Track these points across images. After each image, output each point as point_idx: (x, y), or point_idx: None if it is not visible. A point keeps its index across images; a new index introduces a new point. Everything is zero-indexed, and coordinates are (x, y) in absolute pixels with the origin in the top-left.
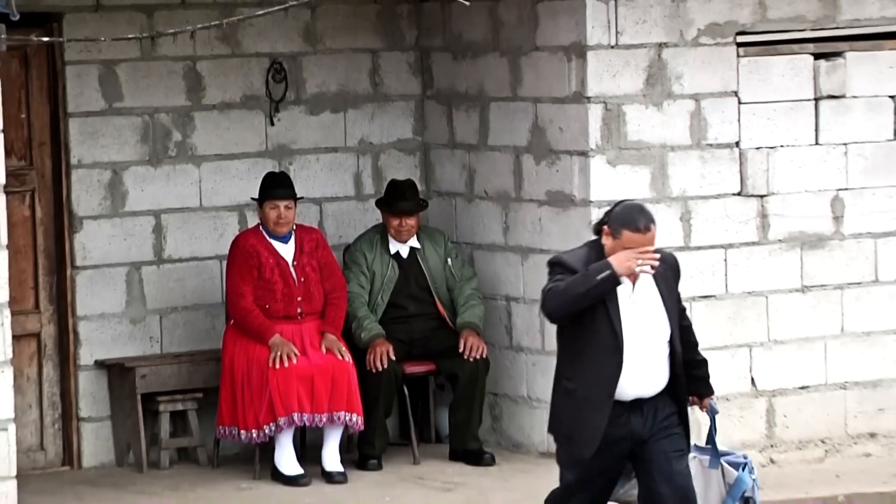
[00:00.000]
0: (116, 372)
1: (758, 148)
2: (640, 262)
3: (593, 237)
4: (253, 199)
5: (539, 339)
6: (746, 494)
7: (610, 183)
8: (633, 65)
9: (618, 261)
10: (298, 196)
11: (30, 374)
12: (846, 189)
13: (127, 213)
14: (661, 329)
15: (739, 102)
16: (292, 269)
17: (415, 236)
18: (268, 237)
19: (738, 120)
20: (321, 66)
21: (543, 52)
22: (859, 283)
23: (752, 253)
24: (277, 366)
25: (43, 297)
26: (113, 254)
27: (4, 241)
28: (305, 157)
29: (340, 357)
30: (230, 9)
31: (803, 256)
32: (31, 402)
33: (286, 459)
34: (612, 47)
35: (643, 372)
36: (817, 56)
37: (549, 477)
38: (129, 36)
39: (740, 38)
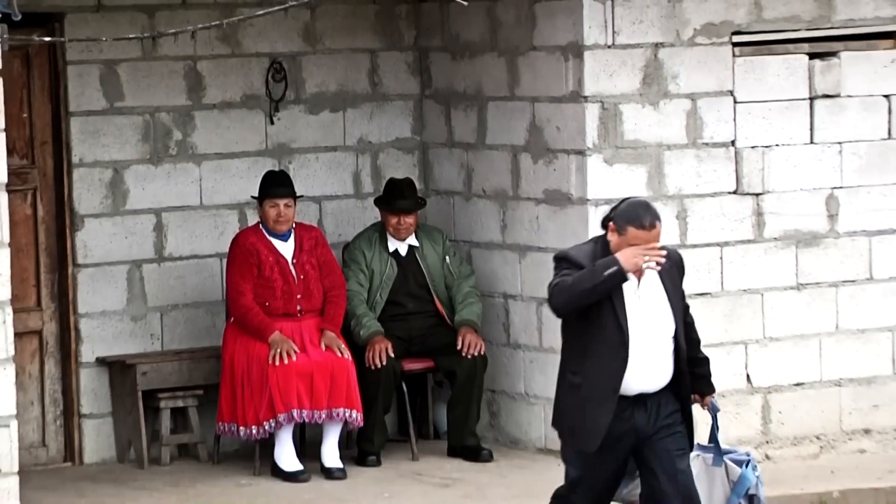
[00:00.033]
0: (117, 369)
1: (753, 147)
2: (647, 258)
3: (590, 234)
4: (253, 197)
5: (536, 336)
6: (751, 492)
7: (607, 181)
8: (629, 64)
9: (625, 257)
10: (298, 194)
11: (32, 370)
12: (841, 187)
13: (128, 212)
14: (666, 325)
15: (735, 102)
16: (292, 267)
17: (413, 234)
18: (268, 235)
19: (734, 119)
20: (320, 65)
21: (541, 52)
22: (854, 281)
23: (747, 251)
24: (277, 363)
25: (45, 295)
26: (114, 252)
27: (6, 239)
28: (305, 156)
29: (340, 354)
30: (230, 9)
31: (798, 254)
32: (33, 398)
33: (286, 456)
34: (609, 47)
35: (647, 367)
36: (812, 56)
37: (547, 473)
38: (131, 36)
39: (736, 38)
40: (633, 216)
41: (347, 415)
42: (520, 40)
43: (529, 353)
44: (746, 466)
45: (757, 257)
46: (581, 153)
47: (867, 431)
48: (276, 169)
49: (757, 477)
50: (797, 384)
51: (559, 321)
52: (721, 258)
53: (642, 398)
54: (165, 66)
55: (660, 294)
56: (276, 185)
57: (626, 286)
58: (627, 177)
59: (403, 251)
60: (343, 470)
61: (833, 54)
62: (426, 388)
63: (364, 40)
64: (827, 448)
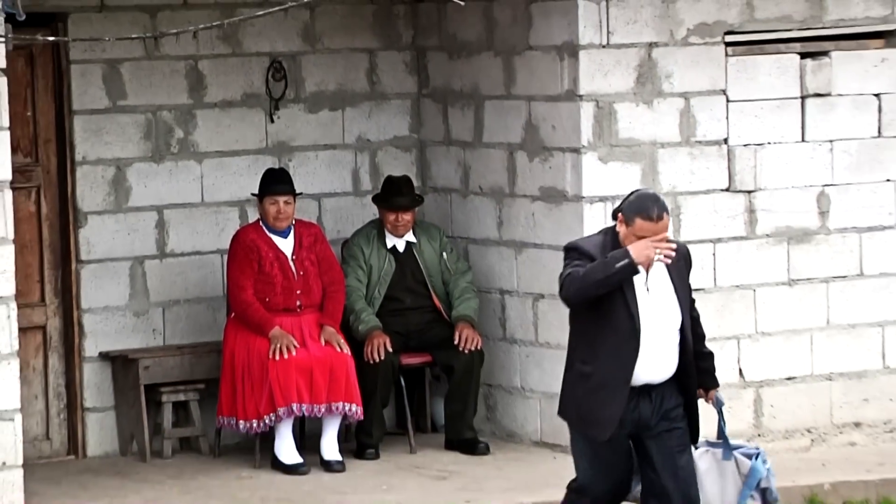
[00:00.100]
0: (120, 363)
1: (745, 145)
2: (658, 251)
3: (585, 231)
4: (253, 194)
5: (532, 331)
6: (763, 485)
7: (601, 179)
8: (624, 64)
9: (636, 250)
10: (297, 192)
11: (36, 365)
12: (832, 185)
13: (130, 209)
14: (673, 317)
15: (728, 100)
16: (291, 263)
17: (411, 231)
18: (268, 232)
19: (727, 117)
20: (320, 65)
21: (536, 52)
22: (844, 277)
23: (740, 247)
24: (277, 357)
25: (48, 291)
26: (117, 248)
27: (11, 235)
28: (304, 154)
29: (339, 349)
30: (231, 9)
31: (790, 250)
32: (37, 392)
33: (286, 449)
34: (604, 47)
35: (654, 358)
36: (803, 55)
37: (543, 465)
38: (133, 36)
39: (728, 38)
40: (640, 207)
41: (347, 408)
42: (516, 40)
43: (525, 347)
44: (756, 459)
45: (749, 253)
46: (576, 151)
47: (857, 425)
48: (276, 167)
49: (768, 469)
50: (789, 378)
51: (556, 316)
52: (714, 254)
53: (647, 389)
54: (167, 65)
55: (667, 287)
56: (275, 183)
57: (635, 278)
58: (622, 174)
59: (401, 248)
60: (342, 463)
61: (824, 54)
62: (424, 383)
63: (362, 40)
64: (818, 441)
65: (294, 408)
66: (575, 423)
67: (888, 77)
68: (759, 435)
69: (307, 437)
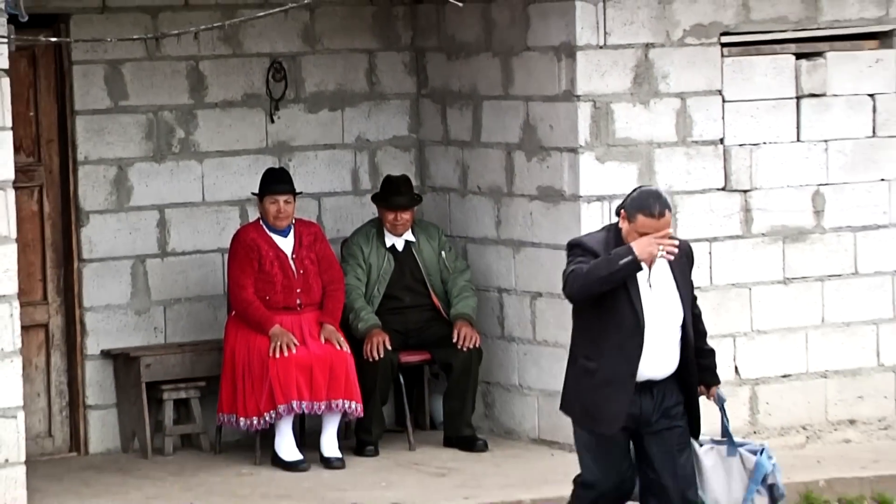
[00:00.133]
0: (122, 361)
1: (741, 144)
2: (661, 247)
3: (582, 230)
4: (253, 194)
5: (530, 329)
6: (770, 482)
7: (598, 178)
8: (620, 64)
9: (639, 247)
10: (297, 191)
11: (38, 363)
12: (827, 184)
13: (132, 208)
14: (675, 313)
15: (724, 101)
16: (291, 262)
17: (410, 230)
18: (268, 231)
19: (723, 117)
20: (319, 65)
21: (534, 53)
22: (839, 276)
23: (735, 246)
24: (277, 355)
25: (51, 289)
26: (118, 247)
27: (14, 234)
28: (304, 154)
29: (339, 347)
30: (232, 10)
31: (785, 249)
32: (40, 390)
33: (286, 446)
34: (601, 47)
35: (657, 354)
36: (799, 56)
37: (540, 462)
38: (135, 37)
39: (724, 39)
40: (642, 204)
41: (347, 406)
42: (514, 41)
43: (523, 345)
44: (761, 454)
45: (745, 252)
46: (573, 151)
47: (852, 422)
48: (277, 166)
49: (773, 465)
50: (784, 376)
51: (553, 314)
52: (710, 253)
53: (649, 385)
54: (168, 65)
55: (669, 283)
56: (276, 182)
57: (638, 274)
58: (619, 174)
59: (400, 246)
60: (342, 459)
61: (819, 54)
62: (423, 380)
63: (362, 41)
64: (813, 438)
65: (294, 405)
66: (580, 418)
67: (882, 77)
68: (754, 432)
69: (307, 435)
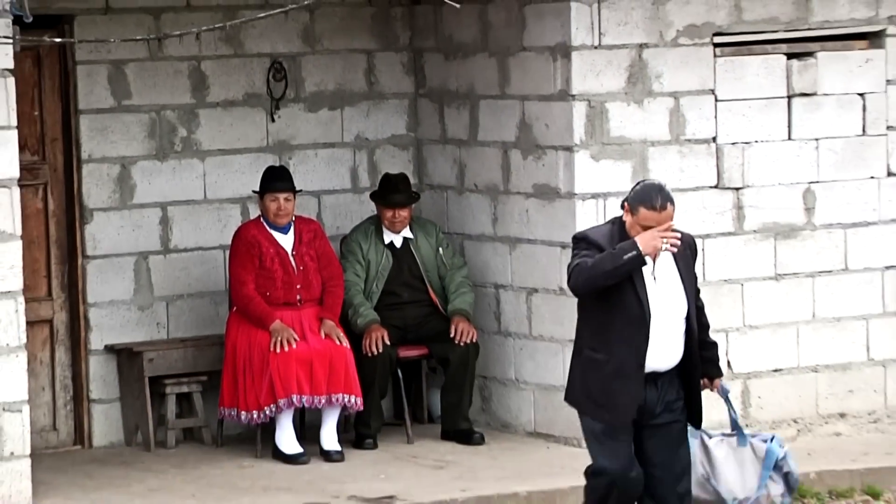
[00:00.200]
0: (125, 356)
1: (733, 143)
2: (664, 241)
3: (578, 227)
4: (254, 191)
5: (526, 324)
6: (785, 470)
7: (593, 176)
8: (615, 64)
9: (643, 241)
10: (297, 189)
11: (43, 358)
12: (817, 182)
13: (135, 206)
14: (679, 305)
15: (716, 100)
16: (292, 259)
17: (408, 227)
18: (268, 228)
19: (715, 116)
20: (319, 65)
21: (530, 53)
22: (830, 272)
23: (728, 243)
24: (278, 350)
25: (55, 285)
26: (122, 244)
27: (19, 231)
28: (304, 152)
29: (338, 342)
30: (233, 11)
31: (777, 246)
32: (45, 384)
33: (286, 439)
34: (596, 48)
35: (661, 346)
36: (790, 56)
37: (536, 455)
38: (138, 37)
39: (717, 39)
40: (644, 197)
41: (347, 399)
42: (510, 41)
43: (519, 340)
44: (772, 441)
45: (737, 249)
46: (569, 149)
47: (842, 415)
48: (277, 164)
49: (786, 452)
50: (775, 370)
51: (549, 310)
52: (703, 250)
53: (653, 377)
54: (171, 65)
55: (674, 276)
56: (276, 180)
57: (643, 267)
58: (613, 172)
59: (398, 243)
60: (341, 452)
61: (810, 54)
62: (421, 375)
63: (361, 41)
64: (804, 431)
65: (294, 399)
66: (588, 408)
67: (872, 77)
68: (746, 425)
69: (307, 428)
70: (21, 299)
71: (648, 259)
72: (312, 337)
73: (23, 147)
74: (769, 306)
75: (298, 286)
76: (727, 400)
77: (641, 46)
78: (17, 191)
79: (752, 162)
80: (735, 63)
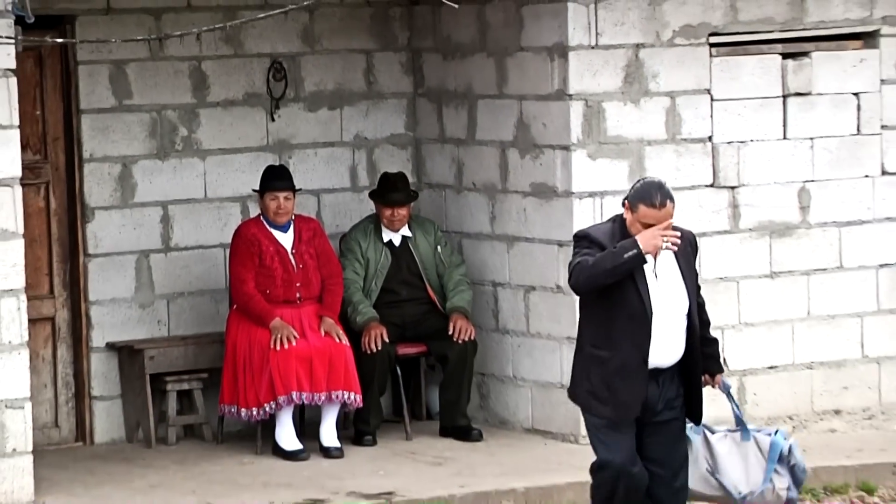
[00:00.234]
0: (126, 353)
1: (729, 142)
2: (665, 240)
3: (575, 226)
4: (254, 190)
5: (524, 322)
6: (791, 462)
7: (590, 175)
8: (612, 64)
9: (644, 239)
10: (297, 188)
11: (45, 355)
12: (812, 181)
13: (136, 204)
14: (681, 302)
15: (712, 99)
16: (291, 257)
17: (406, 225)
18: (268, 226)
19: (711, 116)
20: (319, 65)
21: (528, 53)
22: (824, 270)
23: (723, 241)
24: (278, 347)
25: (57, 283)
26: (123, 242)
27: (21, 230)
28: (304, 151)
29: (338, 340)
30: (233, 12)
31: (772, 244)
32: (46, 381)
33: (286, 436)
34: (593, 48)
35: (663, 343)
36: (785, 56)
37: (533, 451)
38: (139, 37)
39: (713, 39)
40: (644, 195)
41: (347, 396)
42: (508, 41)
43: (517, 338)
44: (776, 434)
45: (733, 247)
46: (566, 148)
47: (837, 412)
48: (277, 163)
49: (791, 445)
50: (771, 367)
51: (546, 307)
52: (699, 248)
53: (655, 373)
54: (171, 65)
55: (675, 272)
56: (276, 179)
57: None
58: (610, 171)
59: (397, 241)
60: (340, 449)
61: (805, 54)
62: (419, 372)
63: (360, 41)
64: (799, 428)
65: (294, 396)
66: (591, 405)
67: (867, 77)
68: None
69: (307, 425)
70: (23, 297)
71: (649, 257)
72: (312, 334)
73: (25, 146)
74: (765, 304)
75: (298, 284)
76: (729, 395)
77: (638, 46)
78: (19, 190)
79: (747, 161)
80: (731, 63)
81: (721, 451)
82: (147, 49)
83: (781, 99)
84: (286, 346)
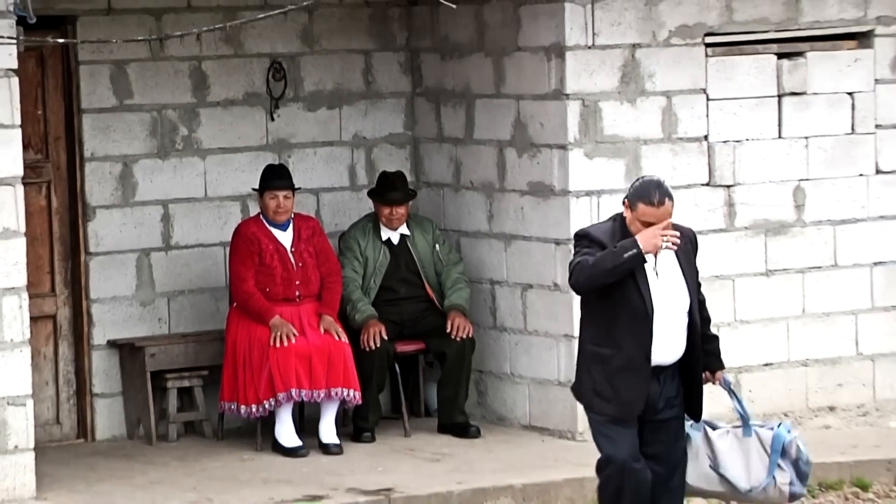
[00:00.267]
0: (127, 351)
1: (725, 141)
2: (665, 239)
3: (572, 224)
4: (254, 189)
5: (521, 319)
6: (794, 456)
7: (587, 174)
8: (608, 64)
9: (644, 239)
10: (296, 187)
11: (46, 353)
12: (807, 179)
13: (137, 203)
14: (682, 300)
15: (708, 99)
16: (291, 255)
17: (405, 224)
18: (268, 225)
19: (707, 115)
20: (318, 65)
21: (525, 53)
22: (819, 268)
23: (719, 239)
24: (278, 345)
25: (58, 282)
26: (124, 241)
27: (22, 228)
28: (303, 151)
29: (337, 337)
30: (233, 12)
31: (767, 242)
32: (48, 379)
33: (286, 432)
34: (589, 48)
35: (665, 340)
36: (780, 55)
37: (531, 447)
38: (139, 38)
39: (708, 39)
40: (643, 193)
41: (346, 393)
42: (505, 41)
43: (514, 335)
44: (778, 427)
45: (728, 245)
46: (563, 147)
47: (832, 409)
48: (276, 163)
49: (794, 437)
50: (766, 364)
51: (543, 305)
52: None
53: (656, 371)
54: (172, 65)
55: (676, 271)
56: (275, 178)
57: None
58: (606, 170)
59: (396, 240)
60: (339, 446)
61: (800, 54)
62: (418, 369)
63: (359, 41)
64: (794, 424)
65: (293, 393)
66: (594, 403)
67: (861, 76)
68: (737, 418)
69: (306, 422)
70: (25, 295)
71: (649, 256)
72: (311, 332)
73: (26, 146)
74: (760, 302)
75: (297, 282)
76: (731, 391)
77: (634, 46)
78: (20, 188)
79: (742, 160)
80: (726, 63)
81: (722, 448)
82: (148, 49)
83: (776, 98)
84: (286, 343)
